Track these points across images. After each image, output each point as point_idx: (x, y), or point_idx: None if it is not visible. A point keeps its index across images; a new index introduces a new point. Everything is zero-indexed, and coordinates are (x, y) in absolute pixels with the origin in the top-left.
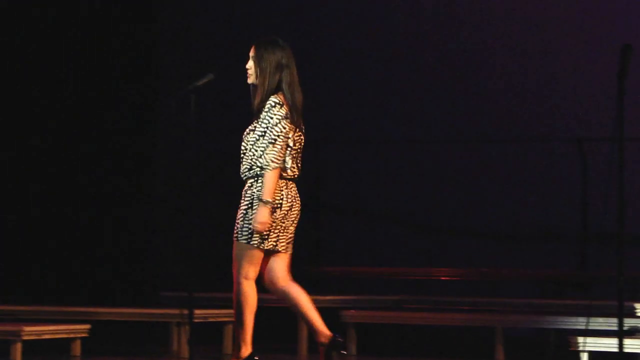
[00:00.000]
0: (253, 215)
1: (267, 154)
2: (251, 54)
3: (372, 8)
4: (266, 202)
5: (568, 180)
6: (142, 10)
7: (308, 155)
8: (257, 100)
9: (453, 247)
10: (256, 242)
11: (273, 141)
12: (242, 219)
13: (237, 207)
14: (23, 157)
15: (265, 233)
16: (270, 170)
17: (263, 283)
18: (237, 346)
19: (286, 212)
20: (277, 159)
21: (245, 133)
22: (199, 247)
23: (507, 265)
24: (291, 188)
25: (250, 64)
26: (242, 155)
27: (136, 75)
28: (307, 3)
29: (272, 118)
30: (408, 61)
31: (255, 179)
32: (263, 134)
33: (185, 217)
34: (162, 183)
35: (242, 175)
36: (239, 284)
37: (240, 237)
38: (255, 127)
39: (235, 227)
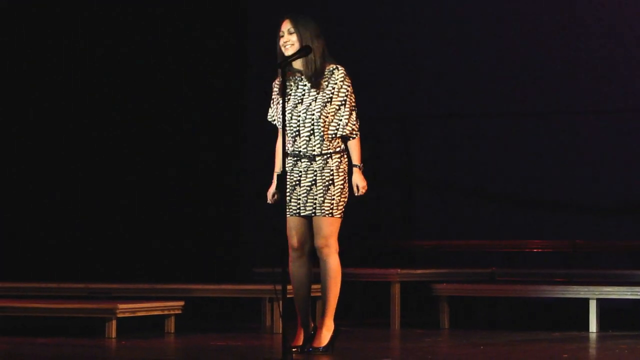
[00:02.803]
0: (340, 189)
1: (353, 120)
2: (287, 26)
3: None
4: (361, 167)
5: None
6: None
7: (400, 130)
8: (310, 70)
9: (546, 220)
10: (342, 214)
11: (355, 108)
12: (338, 194)
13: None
14: (122, 143)
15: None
16: (357, 136)
17: (299, 249)
18: (321, 318)
19: None
20: (358, 126)
21: (292, 106)
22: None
23: (600, 237)
24: None
25: (289, 37)
26: (300, 128)
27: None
28: None
29: (349, 86)
30: (504, 33)
31: (331, 154)
32: (344, 102)
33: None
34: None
35: (310, 150)
36: (333, 258)
37: (336, 212)
38: (316, 97)
39: (322, 204)
